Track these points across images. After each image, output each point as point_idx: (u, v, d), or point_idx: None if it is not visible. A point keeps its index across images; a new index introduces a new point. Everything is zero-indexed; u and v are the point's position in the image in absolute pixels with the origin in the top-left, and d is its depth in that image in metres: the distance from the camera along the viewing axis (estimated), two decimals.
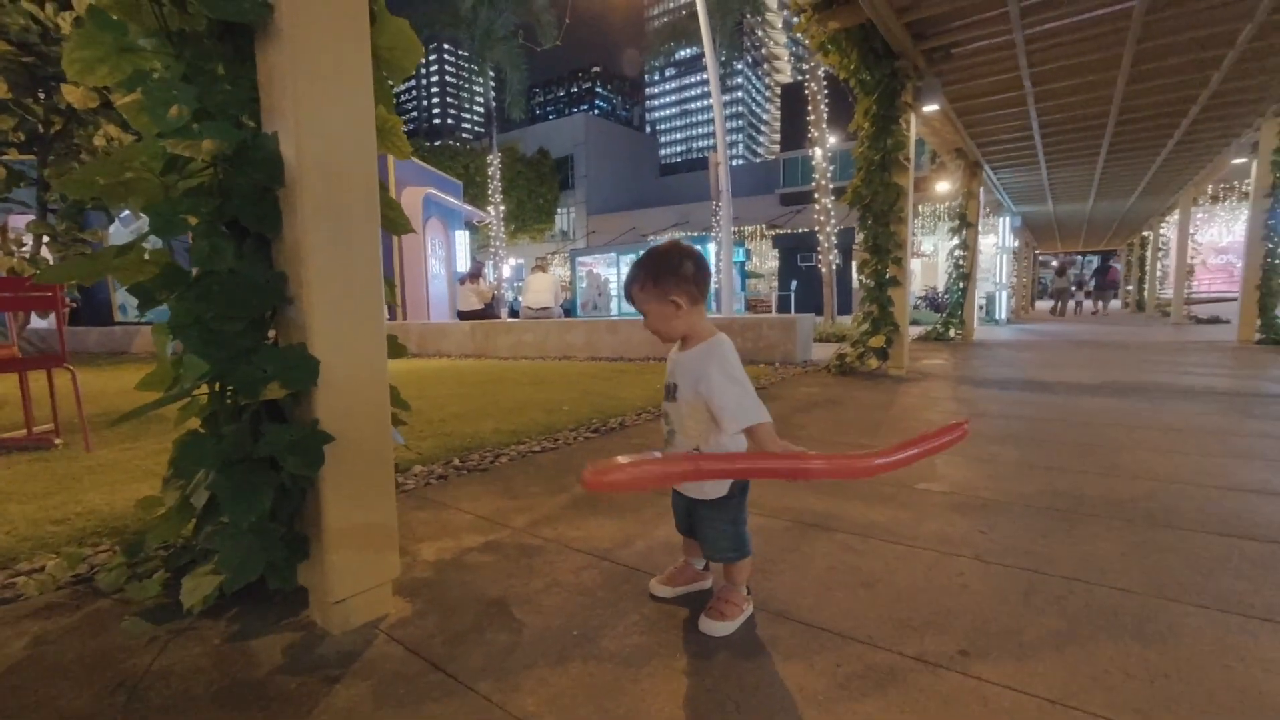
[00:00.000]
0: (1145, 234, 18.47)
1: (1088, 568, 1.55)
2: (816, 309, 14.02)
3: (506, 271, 19.15)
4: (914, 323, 10.04)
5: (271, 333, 1.31)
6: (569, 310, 17.69)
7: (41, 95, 5.74)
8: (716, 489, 1.31)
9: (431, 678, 1.16)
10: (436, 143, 36.56)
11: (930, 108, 6.15)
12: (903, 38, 5.15)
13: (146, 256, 1.20)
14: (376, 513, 1.34)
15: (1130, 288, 21.63)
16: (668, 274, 1.27)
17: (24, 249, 6.21)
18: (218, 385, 1.25)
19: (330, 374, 1.24)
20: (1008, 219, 14.22)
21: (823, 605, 1.38)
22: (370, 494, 1.32)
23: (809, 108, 12.12)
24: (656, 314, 1.29)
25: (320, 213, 1.23)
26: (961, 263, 9.82)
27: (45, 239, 6.24)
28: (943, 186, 10.99)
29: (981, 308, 14.06)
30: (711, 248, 14.85)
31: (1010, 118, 7.48)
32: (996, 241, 14.45)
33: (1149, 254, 18.10)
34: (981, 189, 9.88)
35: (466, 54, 21.53)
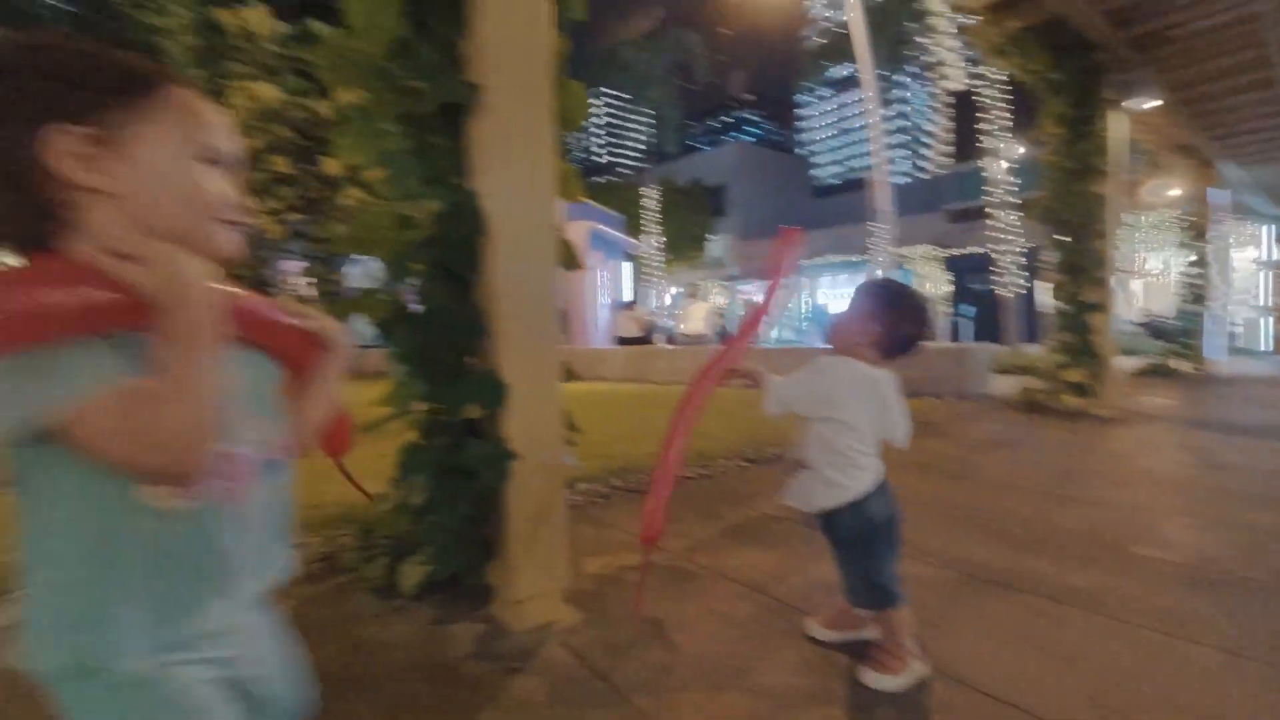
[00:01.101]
0: None
1: None
2: (996, 337, 12.50)
3: (666, 300, 19.83)
4: (1130, 353, 8.42)
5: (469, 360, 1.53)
6: (723, 337, 17.76)
7: (308, 167, 7.36)
8: (823, 499, 1.25)
9: (595, 685, 1.24)
10: (599, 179, 39.26)
11: (1144, 102, 5.30)
12: (1101, 27, 4.52)
13: (383, 298, 1.46)
14: (551, 525, 1.47)
15: None
16: (889, 309, 1.26)
17: (293, 288, 7.95)
18: (430, 404, 1.47)
19: (516, 397, 1.40)
20: (1274, 228, 11.46)
21: (1009, 676, 1.24)
22: (546, 507, 1.46)
23: (982, 115, 11.06)
24: (844, 322, 1.29)
25: (510, 256, 1.41)
26: (1196, 281, 8.16)
27: (307, 280, 7.94)
28: (1162, 192, 9.30)
29: (1233, 336, 11.45)
30: (875, 272, 14.06)
31: (1260, 104, 6.16)
32: (1257, 255, 11.71)
33: None
34: (1215, 191, 8.20)
35: (626, 95, 22.98)
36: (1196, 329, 8.10)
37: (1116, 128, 5.01)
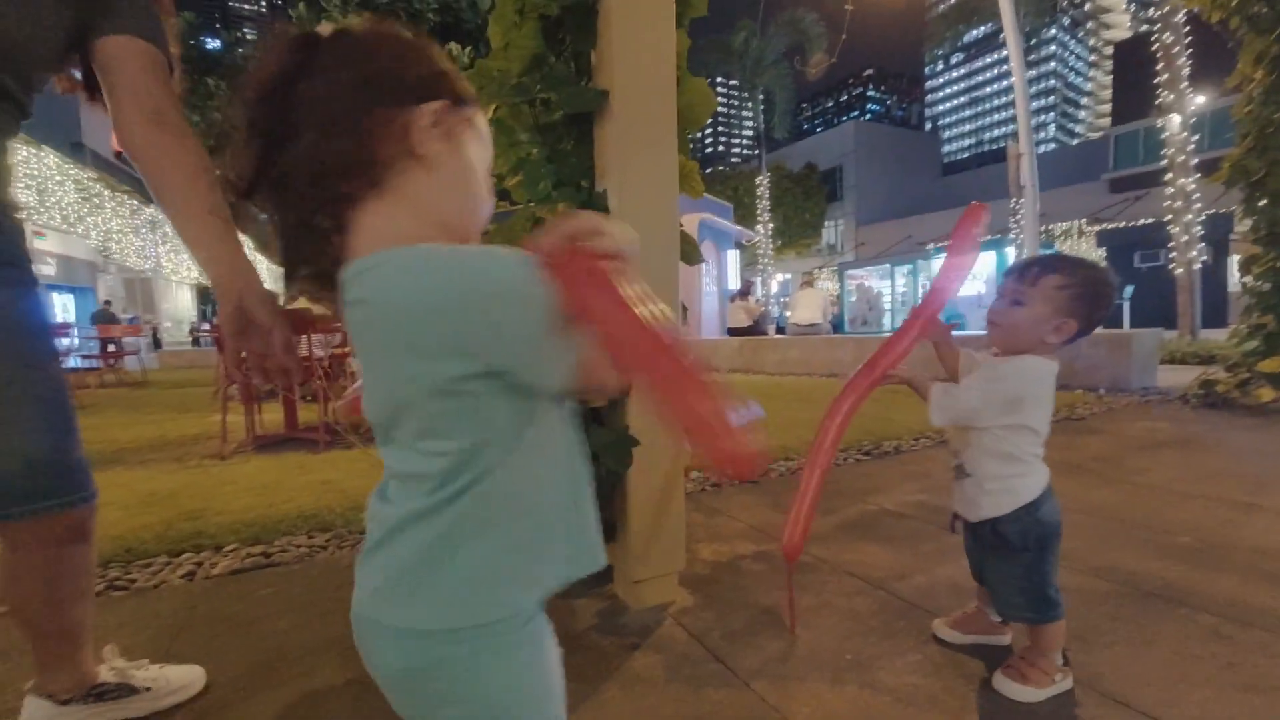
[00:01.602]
0: None
1: None
2: (1163, 321, 10.80)
3: (774, 288, 19.33)
4: None
5: None
6: (837, 326, 17.04)
7: None
8: (993, 507, 1.14)
9: (711, 666, 1.28)
10: (710, 170, 38.94)
11: None
12: None
13: None
14: (669, 510, 1.53)
15: None
16: (1089, 303, 1.10)
17: None
18: None
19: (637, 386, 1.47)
20: None
21: (1179, 701, 1.11)
22: (665, 493, 1.52)
23: (1158, 67, 9.57)
24: (1031, 319, 1.11)
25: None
26: None
27: None
28: None
29: None
30: (1010, 252, 12.74)
31: None
32: None
33: None
34: None
35: (736, 83, 22.55)
36: None
37: None
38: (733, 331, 9.93)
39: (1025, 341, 1.13)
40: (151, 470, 3.18)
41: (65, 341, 9.58)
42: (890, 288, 16.96)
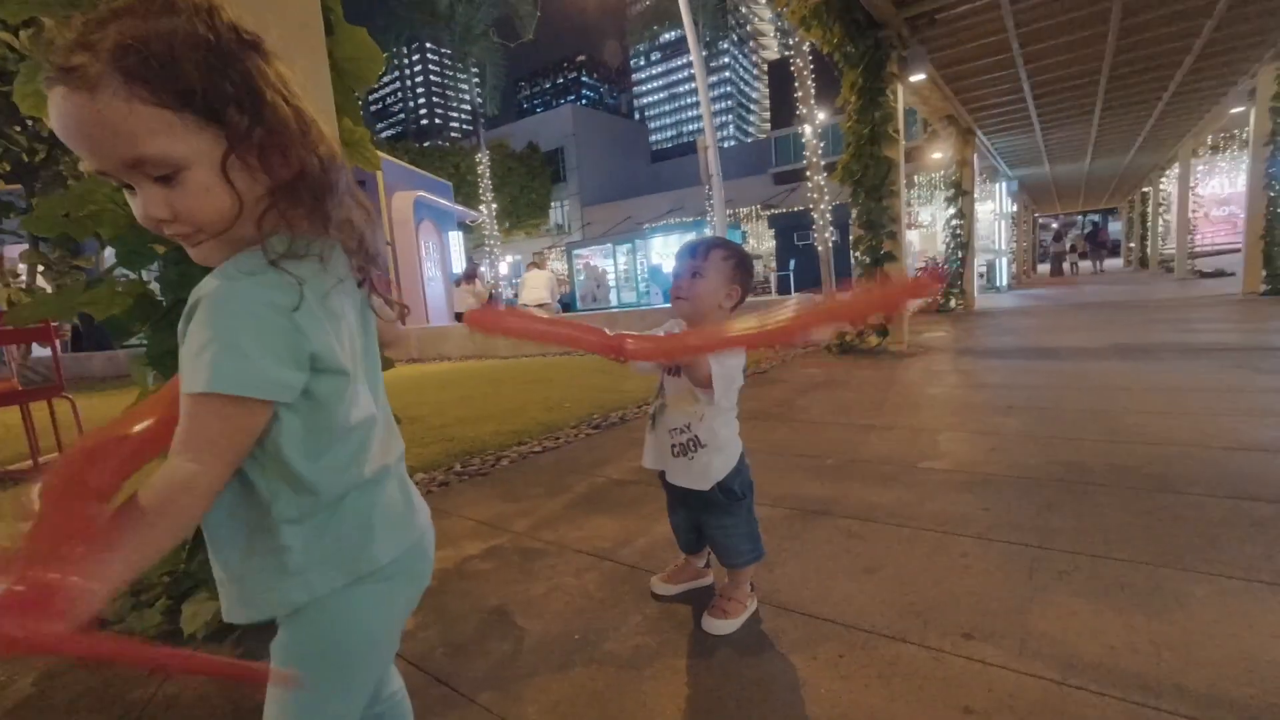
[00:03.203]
0: (1145, 190, 18.22)
1: (1093, 540, 1.54)
2: (816, 287, 13.96)
3: (503, 269, 19.06)
4: None
5: None
6: (568, 305, 17.66)
7: (29, 123, 5.69)
8: (724, 467, 1.25)
9: (434, 691, 1.16)
10: (426, 144, 36.34)
11: (917, 77, 6.05)
12: (885, 6, 5.06)
13: (119, 288, 1.18)
14: None
15: (1133, 245, 21.42)
16: (746, 272, 1.27)
17: (20, 279, 6.21)
18: None
19: None
20: (1004, 184, 14.04)
21: (826, 595, 1.38)
22: None
23: (796, 84, 11.97)
24: (710, 288, 1.24)
25: None
26: (959, 232, 9.72)
27: (40, 268, 6.24)
28: (936, 155, 10.84)
29: (982, 275, 13.91)
30: (706, 232, 14.76)
31: (1000, 80, 7.35)
32: (994, 208, 14.27)
33: (1150, 210, 17.88)
34: (975, 155, 9.75)
35: (449, 52, 21.33)
36: (963, 271, 9.68)
37: (903, 99, 5.67)
38: (461, 317, 9.52)
39: (706, 309, 1.25)
40: None
41: None
42: (614, 266, 18.23)
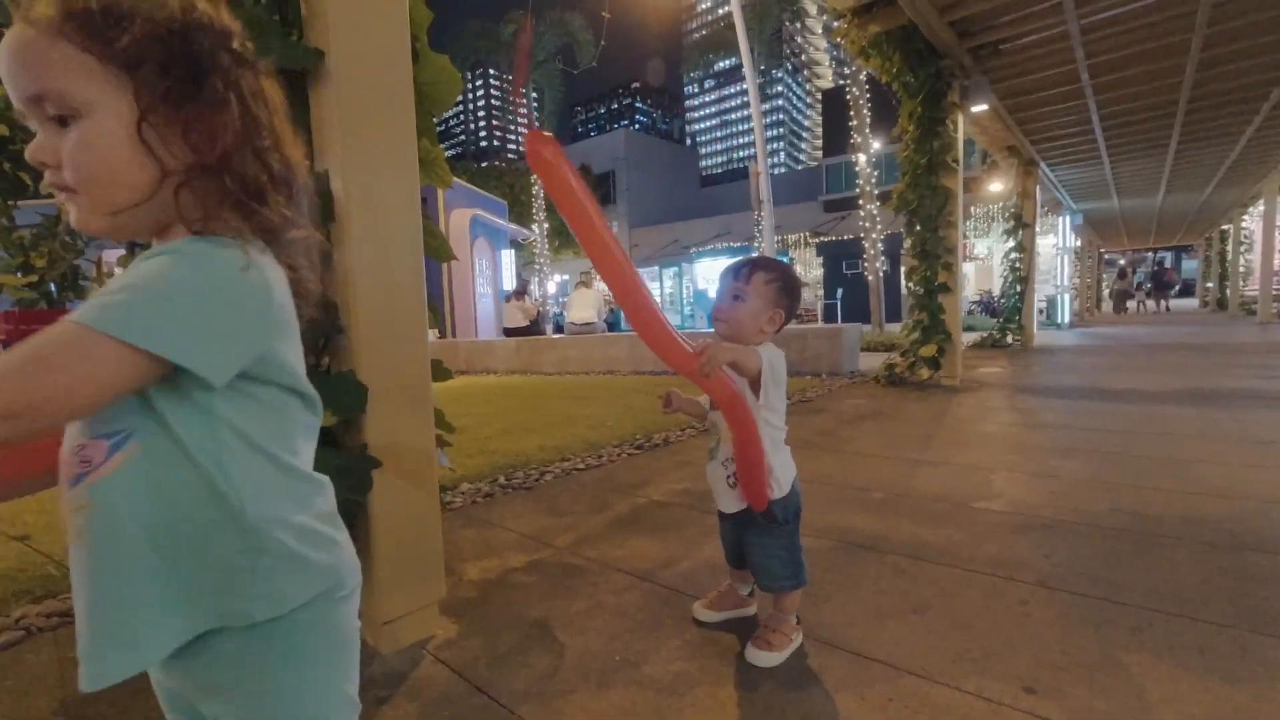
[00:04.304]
0: (1225, 226, 17.23)
1: (1166, 596, 1.44)
2: (863, 317, 13.66)
3: (551, 288, 19.45)
4: (968, 329, 9.56)
5: (324, 360, 1.37)
6: (613, 325, 17.85)
7: None
8: (775, 491, 1.23)
9: (474, 701, 1.17)
10: (484, 164, 37.70)
11: (979, 108, 5.94)
12: (947, 37, 5.01)
13: None
14: (423, 536, 1.37)
15: (1210, 285, 20.21)
16: (790, 295, 1.26)
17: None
18: None
19: (378, 400, 1.28)
20: (1068, 217, 13.48)
21: (874, 634, 1.33)
22: (417, 517, 1.36)
23: (851, 113, 11.92)
24: (751, 311, 1.23)
25: (366, 245, 1.28)
26: (1018, 265, 9.38)
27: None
28: (995, 187, 10.56)
29: (1042, 311, 13.34)
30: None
31: (1067, 112, 7.14)
32: (1056, 242, 13.70)
33: (1230, 248, 16.86)
34: (1038, 187, 9.45)
35: (510, 78, 22.17)
36: (1022, 306, 9.32)
37: (963, 129, 5.57)
38: (509, 332, 9.74)
39: (748, 332, 1.25)
40: None
41: None
42: (660, 288, 18.36)
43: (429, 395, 1.41)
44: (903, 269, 5.82)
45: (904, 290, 5.81)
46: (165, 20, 0.51)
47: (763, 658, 1.24)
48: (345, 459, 1.23)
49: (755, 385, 1.19)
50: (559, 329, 12.54)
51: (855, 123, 11.79)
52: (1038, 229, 9.62)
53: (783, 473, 1.26)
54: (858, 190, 12.18)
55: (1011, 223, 9.36)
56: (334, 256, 1.29)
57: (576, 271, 22.91)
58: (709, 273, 16.84)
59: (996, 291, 11.01)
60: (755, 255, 1.32)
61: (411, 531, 1.34)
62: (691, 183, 42.23)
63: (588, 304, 9.42)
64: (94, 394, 0.45)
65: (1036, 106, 6.98)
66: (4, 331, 3.31)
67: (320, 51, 1.23)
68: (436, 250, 1.54)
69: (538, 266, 18.74)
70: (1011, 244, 9.47)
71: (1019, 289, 9.37)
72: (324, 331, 1.29)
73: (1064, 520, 1.95)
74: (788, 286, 1.26)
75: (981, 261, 20.28)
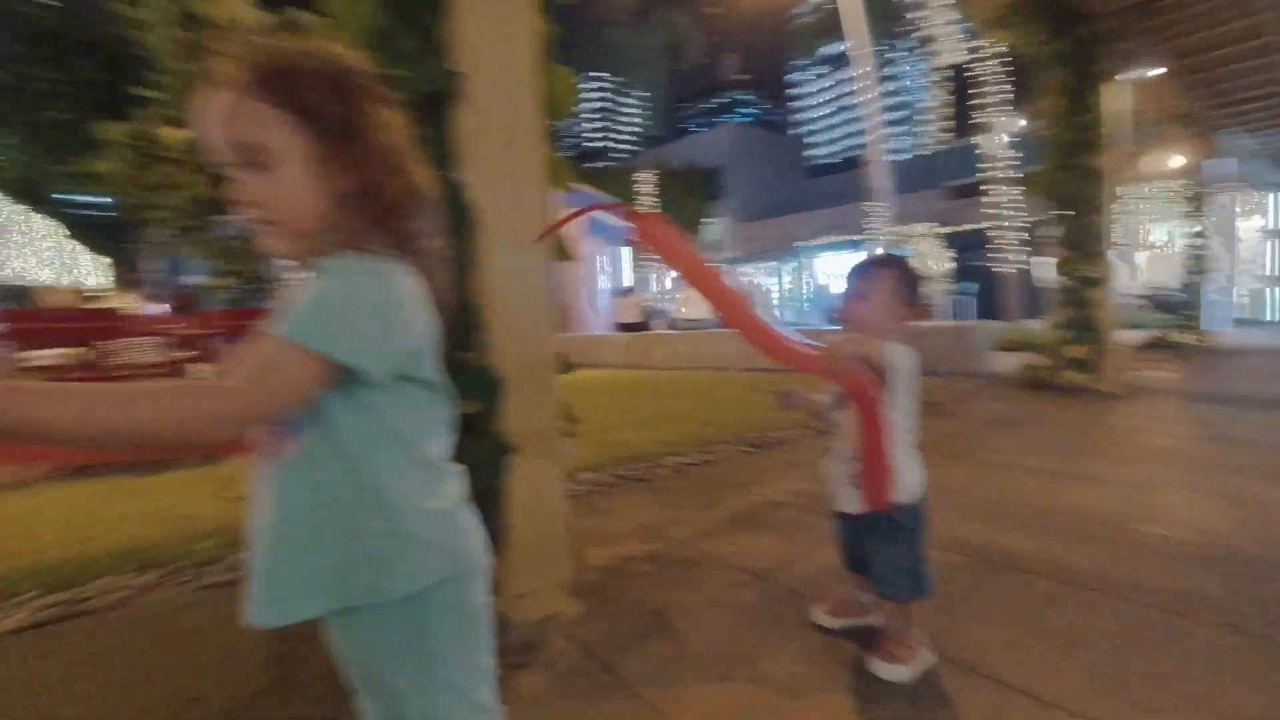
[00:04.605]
0: None
1: None
2: (996, 313, 12.44)
3: (666, 284, 19.74)
4: (1134, 327, 8.28)
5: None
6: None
7: None
8: (897, 495, 1.18)
9: (601, 678, 1.23)
10: (595, 164, 38.93)
11: (1141, 72, 5.21)
12: None
13: None
14: (552, 518, 1.46)
15: None
16: (912, 289, 1.25)
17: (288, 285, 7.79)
18: None
19: (512, 391, 1.38)
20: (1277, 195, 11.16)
21: (1018, 661, 1.23)
22: (547, 500, 1.45)
23: (979, 91, 10.93)
24: (875, 310, 1.23)
25: (501, 247, 1.39)
26: (1199, 253, 8.09)
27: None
28: (1162, 163, 9.20)
29: (1242, 307, 11.22)
30: (872, 251, 13.97)
31: (1254, 71, 6.06)
32: (1264, 224, 11.44)
33: None
34: (1215, 161, 8.11)
35: (617, 78, 22.67)
36: (1196, 301, 8.07)
37: (1114, 100, 4.92)
38: (621, 327, 9.99)
39: (874, 331, 1.21)
40: None
41: None
42: (778, 283, 17.94)
43: (557, 388, 1.50)
44: (1037, 260, 5.26)
45: (1047, 284, 5.24)
46: (325, 71, 0.60)
47: (890, 670, 1.19)
48: (484, 445, 1.34)
49: (881, 383, 1.15)
50: (671, 325, 12.67)
51: (983, 101, 10.80)
52: (1237, 209, 8.21)
53: (910, 476, 1.21)
54: (988, 175, 11.15)
55: (1187, 205, 8.11)
56: (472, 261, 1.41)
57: None
58: (830, 268, 16.20)
59: (1174, 283, 9.31)
60: (878, 253, 1.28)
61: (542, 513, 1.44)
62: (799, 174, 40.83)
63: (700, 300, 9.44)
64: (302, 394, 0.55)
65: (1216, 66, 5.99)
66: (222, 326, 3.91)
67: (459, 74, 1.35)
68: (563, 253, 1.63)
69: (651, 264, 19.05)
70: (1193, 229, 8.18)
71: (1198, 280, 8.10)
72: (464, 328, 1.41)
73: (1256, 553, 1.68)
74: (909, 281, 1.24)
75: (1160, 249, 17.54)
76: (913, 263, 1.29)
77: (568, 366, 1.68)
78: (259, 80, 0.58)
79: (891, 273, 1.23)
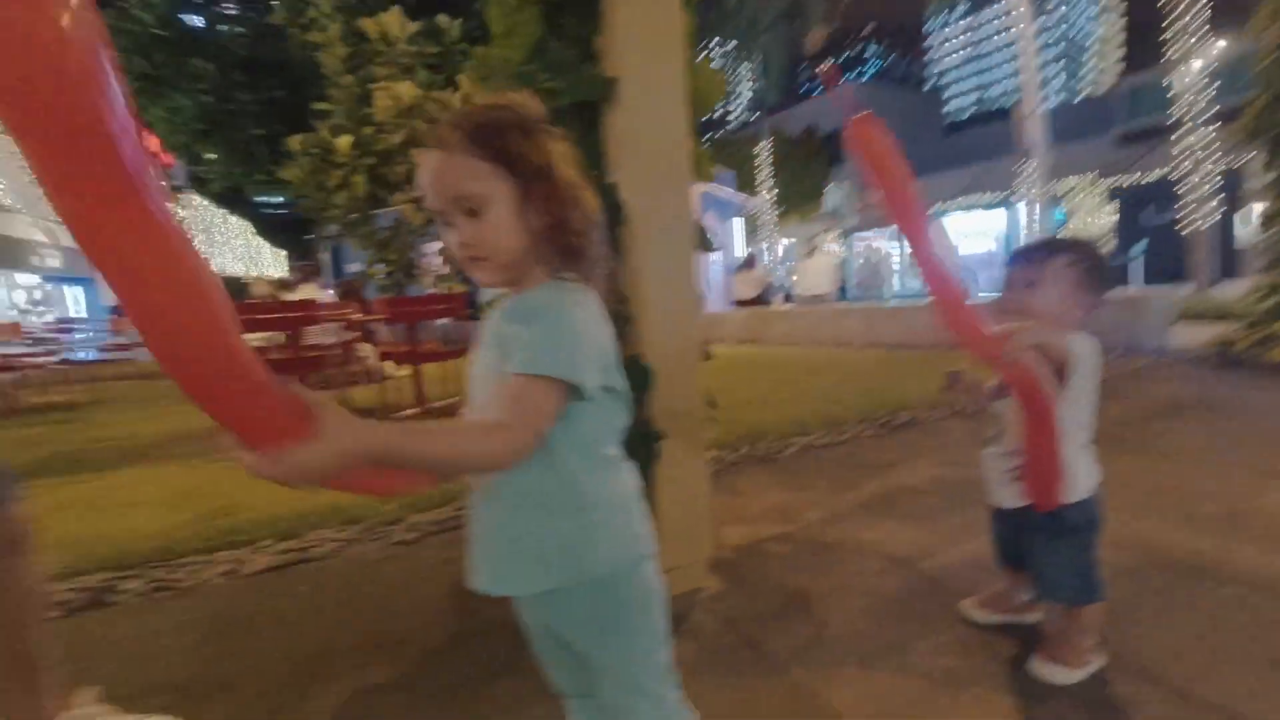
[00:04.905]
0: None
1: None
2: (1172, 277, 10.62)
3: (779, 253, 19.18)
4: None
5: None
6: (842, 293, 16.93)
7: None
8: (1065, 492, 1.10)
9: (746, 653, 1.31)
10: (708, 136, 38.26)
11: None
12: None
13: None
14: (694, 497, 1.55)
15: None
16: (1098, 278, 1.14)
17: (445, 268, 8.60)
18: None
19: (660, 380, 1.47)
20: None
21: (1209, 676, 1.13)
22: (690, 481, 1.54)
23: (1172, 13, 9.26)
24: (1049, 301, 1.12)
25: (651, 243, 1.47)
26: None
27: (443, 258, 8.56)
28: None
29: None
30: (1021, 209, 12.54)
31: None
32: None
33: None
34: None
35: (735, 44, 21.93)
36: None
37: None
38: (739, 303, 9.87)
39: (1047, 325, 1.11)
40: (178, 465, 3.21)
41: (79, 335, 9.64)
42: (900, 250, 16.79)
43: (699, 376, 1.57)
44: (1239, 214, 4.45)
45: (1240, 241, 4.43)
46: (517, 122, 0.69)
47: (1053, 672, 1.15)
48: (637, 431, 1.45)
49: (1059, 375, 1.09)
50: (788, 298, 12.31)
51: (1181, 24, 9.14)
52: None
53: (1083, 475, 1.13)
54: (1174, 116, 9.49)
55: None
56: (623, 256, 1.51)
57: (802, 237, 22.08)
58: (960, 228, 14.83)
59: None
60: (1045, 238, 1.17)
61: (687, 493, 1.54)
62: (934, 132, 37.27)
63: (819, 274, 9.08)
64: (554, 418, 0.64)
65: None
66: (381, 312, 4.45)
67: (614, 80, 1.42)
68: (703, 244, 1.68)
69: (764, 235, 18.56)
70: None
71: None
72: (618, 321, 1.52)
73: None
74: (1095, 269, 1.13)
75: None
76: (1092, 247, 1.17)
77: (706, 355, 1.74)
78: (468, 138, 0.67)
79: (1067, 258, 1.12)
